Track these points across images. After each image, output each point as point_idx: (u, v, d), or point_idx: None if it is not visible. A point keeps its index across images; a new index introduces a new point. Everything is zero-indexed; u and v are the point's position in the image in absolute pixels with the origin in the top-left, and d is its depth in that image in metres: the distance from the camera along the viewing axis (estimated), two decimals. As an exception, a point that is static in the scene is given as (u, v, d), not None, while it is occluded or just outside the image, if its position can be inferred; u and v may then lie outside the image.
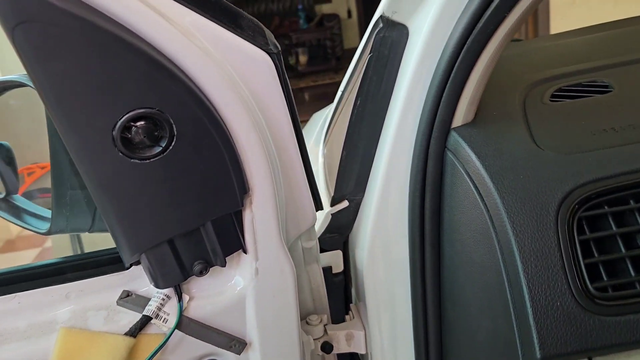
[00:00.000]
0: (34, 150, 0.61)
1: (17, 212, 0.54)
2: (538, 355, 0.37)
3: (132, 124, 0.36)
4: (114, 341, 0.41)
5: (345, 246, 0.66)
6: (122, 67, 0.34)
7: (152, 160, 0.37)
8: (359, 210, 0.60)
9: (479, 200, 0.43)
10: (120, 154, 0.36)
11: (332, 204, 0.59)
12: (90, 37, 0.33)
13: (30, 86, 0.47)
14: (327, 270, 0.63)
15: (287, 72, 0.44)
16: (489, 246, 0.41)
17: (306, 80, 5.91)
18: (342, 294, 0.66)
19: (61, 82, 0.34)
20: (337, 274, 0.65)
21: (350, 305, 0.66)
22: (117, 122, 0.35)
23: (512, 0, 0.40)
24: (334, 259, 0.65)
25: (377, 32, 0.50)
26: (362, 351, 0.61)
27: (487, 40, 0.42)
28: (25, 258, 3.79)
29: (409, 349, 0.57)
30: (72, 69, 0.34)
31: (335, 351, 0.62)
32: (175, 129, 0.37)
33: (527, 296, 0.38)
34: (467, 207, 0.45)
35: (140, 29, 0.34)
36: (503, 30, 0.41)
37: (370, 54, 0.51)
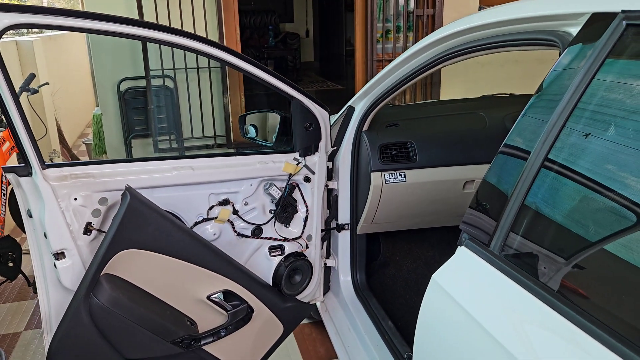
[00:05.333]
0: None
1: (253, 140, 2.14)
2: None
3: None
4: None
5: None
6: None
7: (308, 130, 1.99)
8: (339, 150, 2.22)
9: (366, 146, 2.07)
10: None
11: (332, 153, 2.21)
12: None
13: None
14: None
15: (328, 115, 2.07)
16: (367, 158, 2.06)
17: (273, 88, 7.43)
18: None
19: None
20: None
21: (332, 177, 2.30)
22: None
23: (389, 93, 2.02)
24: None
25: (348, 108, 2.13)
26: (335, 187, 2.24)
27: (375, 108, 2.05)
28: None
29: (348, 185, 2.20)
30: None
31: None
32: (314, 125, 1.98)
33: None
34: (364, 149, 2.08)
35: (312, 109, 1.95)
36: (381, 104, 2.03)
37: (344, 116, 2.14)
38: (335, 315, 2.25)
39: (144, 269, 1.64)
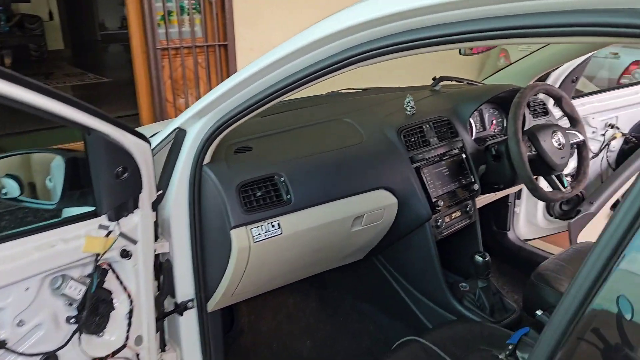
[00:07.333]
0: None
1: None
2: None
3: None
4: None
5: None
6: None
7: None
8: (165, 195, 1.46)
9: (215, 188, 1.36)
10: None
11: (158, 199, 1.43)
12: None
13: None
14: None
15: None
16: (219, 205, 1.35)
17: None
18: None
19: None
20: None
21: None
22: None
23: (252, 109, 1.31)
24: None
25: (177, 132, 1.38)
26: (167, 250, 1.46)
27: (223, 132, 1.33)
28: None
29: (188, 246, 1.45)
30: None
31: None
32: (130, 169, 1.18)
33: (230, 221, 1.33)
34: (212, 192, 1.37)
35: (124, 145, 1.15)
36: (234, 125, 1.32)
37: (171, 144, 1.38)
38: None
39: None
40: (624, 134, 2.53)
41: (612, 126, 2.50)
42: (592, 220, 2.34)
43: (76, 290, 1.18)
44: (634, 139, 2.56)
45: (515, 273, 2.37)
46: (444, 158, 1.74)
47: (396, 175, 1.60)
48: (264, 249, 1.37)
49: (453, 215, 1.76)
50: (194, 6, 3.79)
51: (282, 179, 1.42)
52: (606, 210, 2.39)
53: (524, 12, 0.74)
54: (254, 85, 1.19)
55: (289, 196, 1.41)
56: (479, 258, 1.63)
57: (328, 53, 1.04)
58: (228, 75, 3.91)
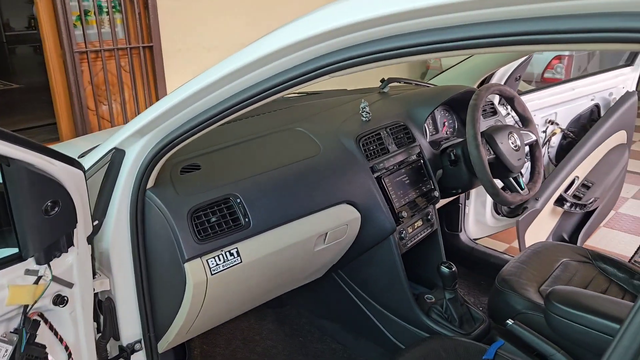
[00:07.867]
0: None
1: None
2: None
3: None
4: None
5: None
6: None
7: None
8: (102, 225, 1.27)
9: (161, 216, 1.19)
10: None
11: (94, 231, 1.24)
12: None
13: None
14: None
15: None
16: (168, 235, 1.19)
17: None
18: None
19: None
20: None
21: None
22: None
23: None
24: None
25: (114, 153, 1.19)
26: (108, 288, 1.28)
27: (164, 155, 1.17)
28: None
29: (132, 282, 1.28)
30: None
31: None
32: (62, 202, 0.99)
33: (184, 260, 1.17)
34: (157, 220, 1.20)
35: (53, 174, 0.96)
36: (181, 145, 1.15)
37: (107, 167, 1.20)
38: None
39: None
40: (562, 130, 2.58)
41: (551, 122, 2.54)
42: (538, 216, 2.36)
43: (1, 352, 0.98)
44: (571, 134, 2.61)
45: (472, 275, 2.34)
46: (403, 165, 1.66)
47: (358, 187, 1.49)
48: (223, 281, 1.22)
49: (415, 224, 1.68)
50: (113, 5, 3.50)
51: (238, 200, 1.27)
52: (550, 205, 2.42)
53: (535, 16, 0.65)
54: (205, 100, 1.04)
55: (247, 219, 1.26)
56: (445, 269, 1.56)
57: (291, 64, 0.91)
58: (155, 79, 3.66)
